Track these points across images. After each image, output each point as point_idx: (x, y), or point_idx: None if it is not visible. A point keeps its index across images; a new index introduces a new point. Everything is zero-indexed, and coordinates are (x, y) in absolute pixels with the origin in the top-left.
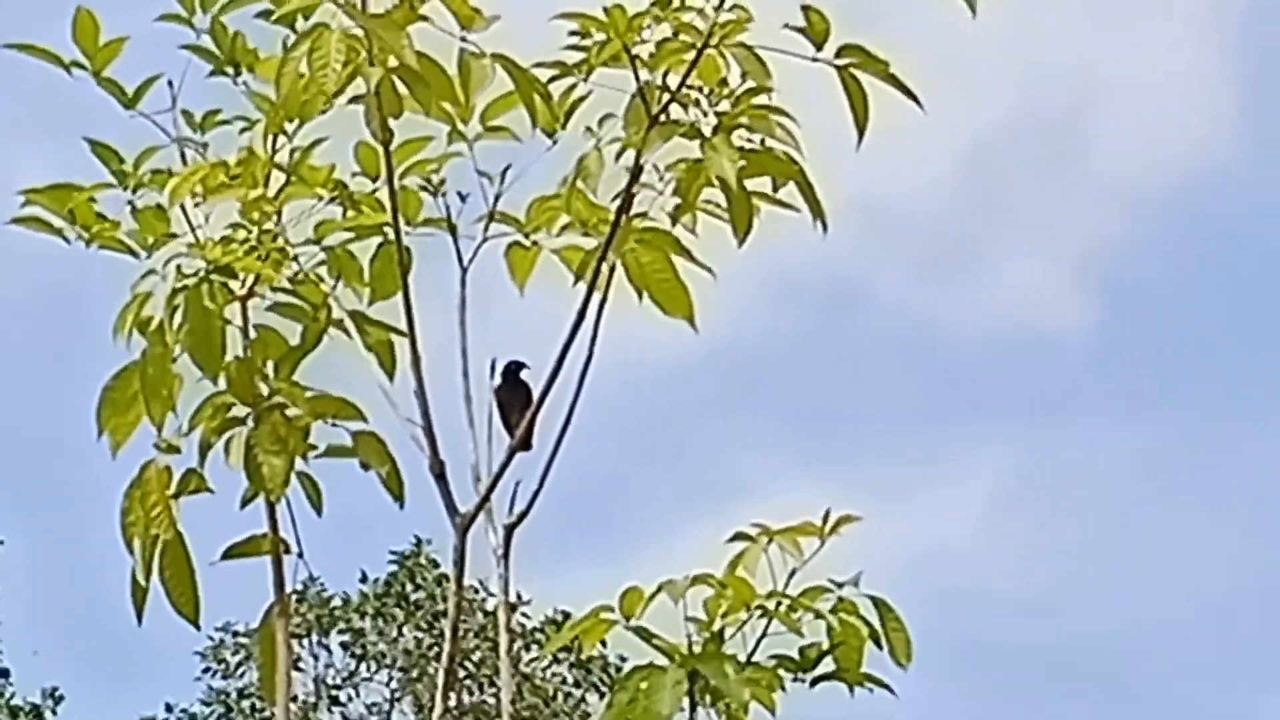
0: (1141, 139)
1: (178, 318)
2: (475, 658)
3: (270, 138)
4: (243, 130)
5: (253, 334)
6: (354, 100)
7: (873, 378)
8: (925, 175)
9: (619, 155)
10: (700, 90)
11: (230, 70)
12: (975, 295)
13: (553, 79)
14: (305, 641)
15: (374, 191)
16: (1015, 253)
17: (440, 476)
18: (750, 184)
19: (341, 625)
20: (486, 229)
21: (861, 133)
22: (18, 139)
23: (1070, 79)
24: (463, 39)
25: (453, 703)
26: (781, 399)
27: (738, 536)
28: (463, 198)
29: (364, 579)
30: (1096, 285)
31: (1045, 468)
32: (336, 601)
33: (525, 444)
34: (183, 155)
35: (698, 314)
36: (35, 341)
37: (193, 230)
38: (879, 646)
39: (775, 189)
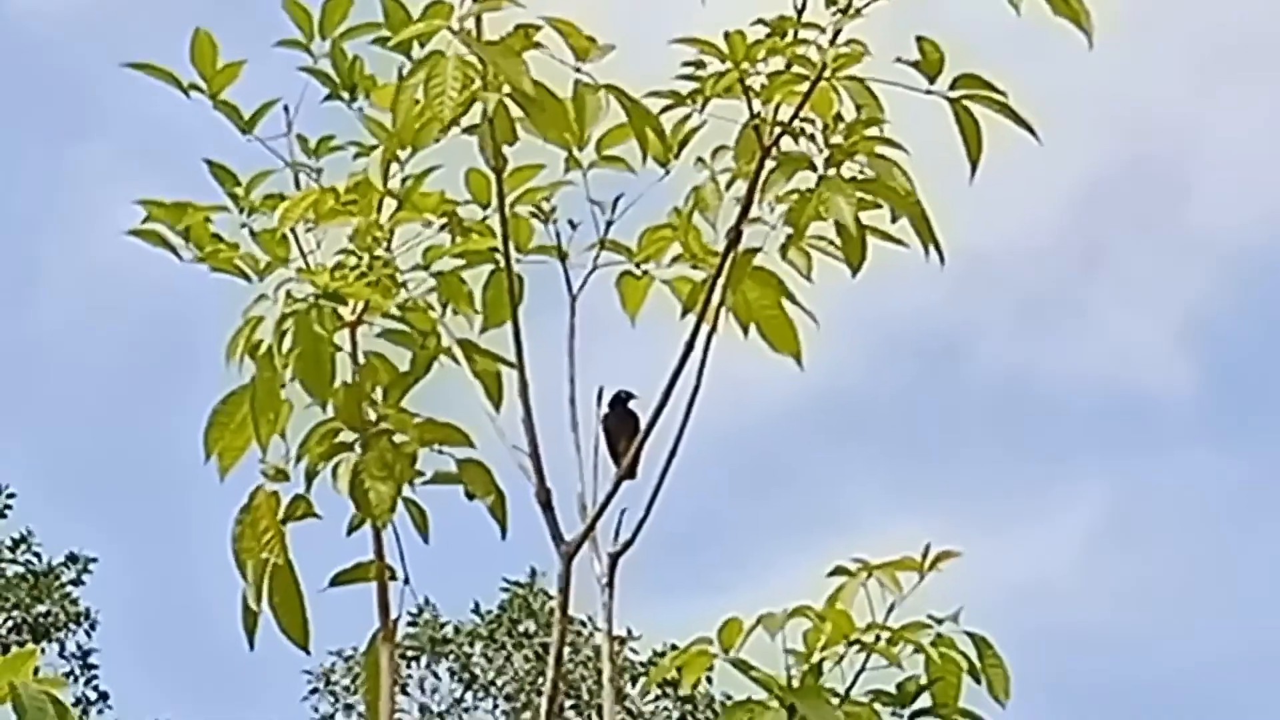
0: (1245, 195)
1: (287, 342)
2: (584, 691)
3: (385, 164)
4: (356, 156)
5: (361, 360)
6: (467, 130)
7: (971, 421)
8: (1024, 226)
9: (728, 186)
10: (813, 123)
11: (345, 95)
12: (1075, 350)
13: (666, 109)
14: (414, 665)
15: (485, 219)
16: (1116, 308)
17: (546, 505)
18: (863, 216)
19: (451, 651)
20: (597, 258)
21: (975, 166)
22: (122, 180)
23: (1172, 132)
24: (577, 69)
25: None
26: (881, 439)
27: (837, 571)
28: (573, 226)
29: (476, 609)
30: (1197, 345)
31: (1142, 503)
32: (448, 630)
33: (631, 473)
34: (296, 180)
35: (804, 355)
36: (138, 364)
37: (303, 255)
38: (977, 682)
39: (894, 220)
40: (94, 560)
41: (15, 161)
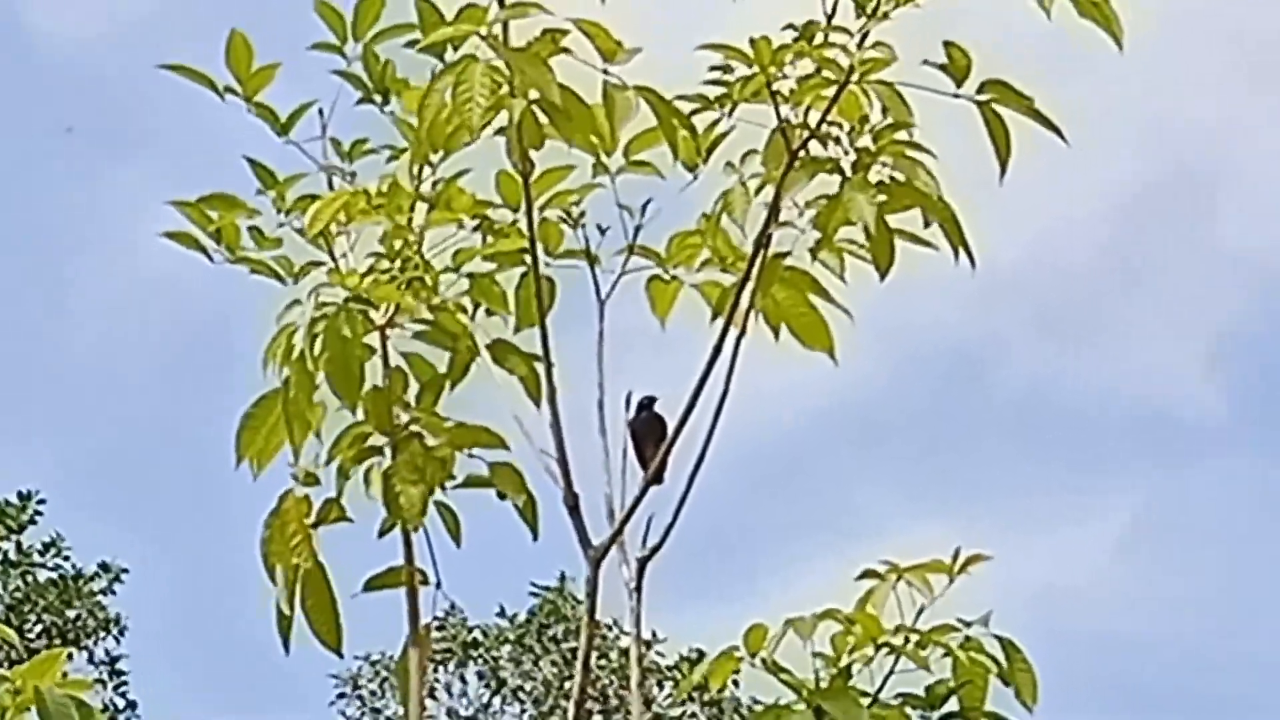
0: (1272, 211)
1: (317, 346)
2: (610, 696)
3: (416, 168)
4: (390, 159)
5: (393, 363)
6: (499, 132)
7: (999, 433)
8: (1052, 241)
9: (758, 191)
10: (840, 127)
11: (378, 99)
12: (1103, 365)
13: (694, 112)
14: (441, 670)
15: (515, 221)
16: (1145, 324)
17: (574, 509)
18: (891, 220)
19: (479, 655)
20: (626, 262)
21: (1004, 167)
22: (155, 197)
23: (1203, 148)
24: (605, 71)
25: None
26: (907, 449)
27: (866, 574)
28: (602, 230)
29: (502, 613)
30: (1228, 361)
31: (1174, 507)
32: (477, 635)
33: (658, 478)
34: (330, 182)
35: (831, 366)
36: (171, 375)
37: (333, 258)
38: (1006, 685)
39: (926, 225)
40: (126, 571)
41: (52, 181)
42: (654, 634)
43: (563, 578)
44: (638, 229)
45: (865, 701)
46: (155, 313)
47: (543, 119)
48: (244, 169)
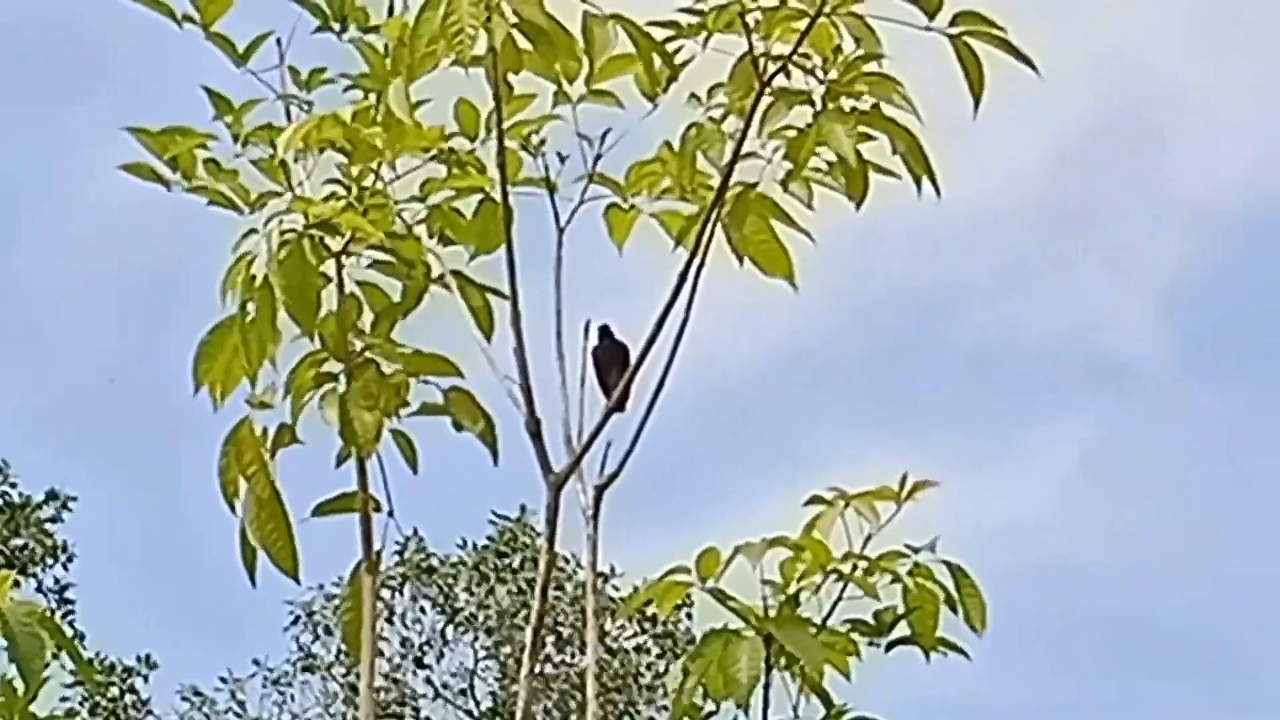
0: (1225, 157)
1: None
2: (565, 628)
3: (404, 94)
4: (347, 88)
5: (349, 290)
6: (456, 63)
7: (951, 372)
8: (1005, 187)
9: (721, 119)
10: (811, 58)
11: (336, 27)
12: (1055, 307)
13: (668, 39)
14: (398, 597)
15: (473, 151)
16: (1096, 269)
17: (536, 435)
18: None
19: (435, 582)
20: (585, 191)
21: (978, 101)
22: (114, 135)
23: (1154, 94)
24: (583, 0)
25: (538, 669)
26: (862, 388)
27: (814, 500)
28: (562, 159)
29: (464, 544)
30: (1178, 305)
31: (1124, 439)
32: (433, 561)
33: (621, 405)
34: (288, 112)
35: (788, 310)
36: (125, 308)
37: (290, 188)
38: (954, 611)
39: (894, 151)
40: (74, 498)
41: (3, 120)
42: (611, 568)
43: (523, 509)
44: (597, 157)
45: (813, 629)
46: (105, 247)
47: (523, 44)
48: (199, 109)
